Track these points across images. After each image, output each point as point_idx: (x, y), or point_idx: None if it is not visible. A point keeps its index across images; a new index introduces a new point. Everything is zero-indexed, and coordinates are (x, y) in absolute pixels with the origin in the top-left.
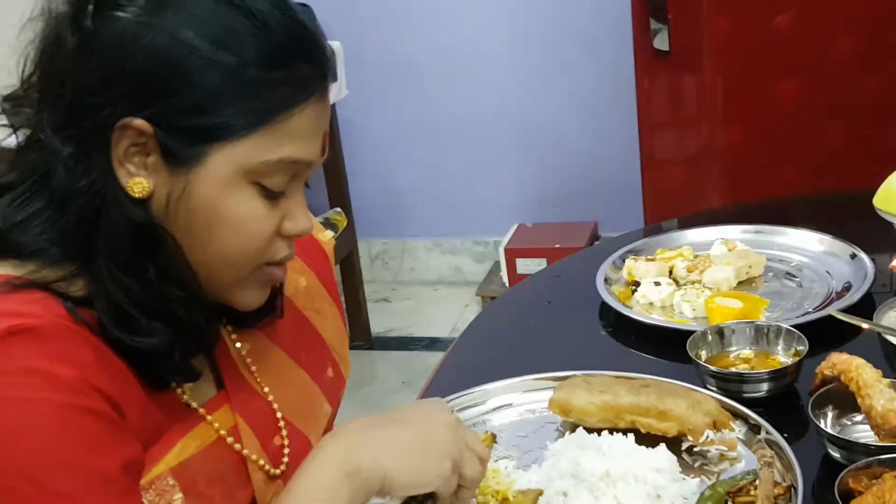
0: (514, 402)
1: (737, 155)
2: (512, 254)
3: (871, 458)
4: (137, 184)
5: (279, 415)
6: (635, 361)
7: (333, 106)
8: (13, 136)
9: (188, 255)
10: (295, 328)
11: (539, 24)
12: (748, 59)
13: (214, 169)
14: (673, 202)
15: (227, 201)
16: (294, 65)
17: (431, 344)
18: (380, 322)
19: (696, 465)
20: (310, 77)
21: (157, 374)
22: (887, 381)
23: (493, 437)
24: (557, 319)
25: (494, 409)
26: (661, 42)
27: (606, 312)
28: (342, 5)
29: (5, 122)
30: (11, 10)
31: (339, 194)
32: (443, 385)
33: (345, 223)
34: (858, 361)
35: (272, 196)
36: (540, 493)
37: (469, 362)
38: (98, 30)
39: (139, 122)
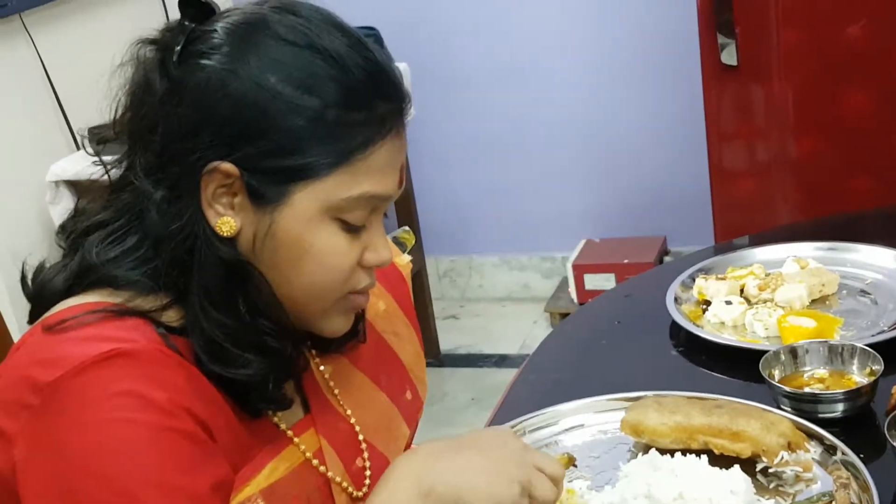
0: (587, 422)
1: (808, 167)
2: (580, 270)
3: None
4: (225, 223)
5: (361, 437)
6: (707, 382)
7: None
8: (106, 175)
9: (276, 290)
10: (375, 351)
11: (604, 39)
12: (818, 70)
13: (298, 207)
14: (743, 215)
15: (310, 237)
16: (372, 104)
17: (500, 361)
18: (448, 339)
19: (771, 486)
20: (387, 114)
21: (250, 402)
22: None
23: (572, 458)
24: (628, 339)
25: (567, 430)
26: (729, 57)
27: (677, 332)
28: (405, 27)
29: (96, 159)
30: (102, 53)
31: (406, 213)
32: (514, 405)
33: (413, 241)
34: None
35: (353, 230)
36: None
37: (540, 382)
38: (185, 77)
39: (227, 166)
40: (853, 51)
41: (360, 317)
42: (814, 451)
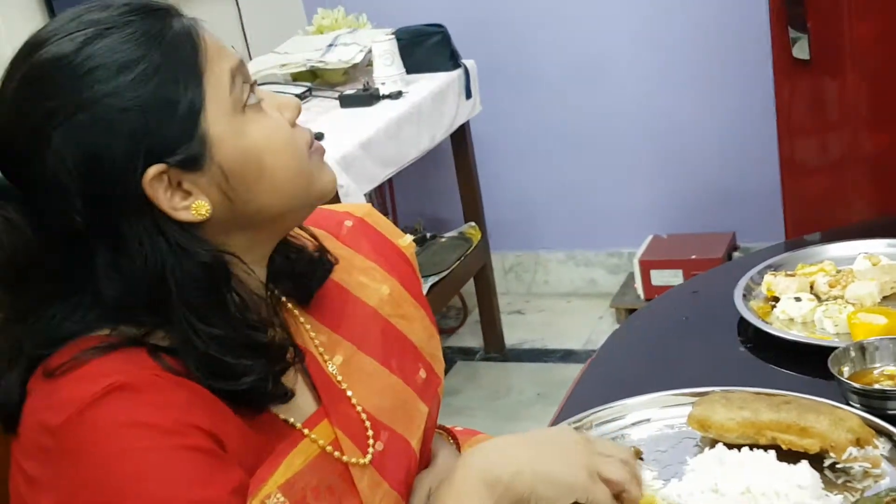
0: (653, 417)
1: (882, 162)
2: (647, 265)
3: None
4: (199, 206)
5: (376, 421)
6: (775, 378)
7: (466, 123)
8: None
9: (272, 207)
10: (383, 337)
11: (673, 33)
12: (892, 63)
13: (217, 133)
14: (815, 211)
15: (249, 140)
16: (163, 32)
17: (566, 356)
18: (514, 334)
19: (840, 481)
20: (183, 25)
21: (252, 403)
22: None
23: (639, 451)
24: (695, 335)
25: (633, 424)
26: (801, 51)
27: (745, 328)
28: (474, 25)
29: None
30: None
31: (473, 209)
32: (581, 399)
33: (479, 237)
34: None
35: (255, 104)
36: None
37: (606, 377)
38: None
39: (152, 170)
40: None
41: (319, 258)
42: (883, 447)
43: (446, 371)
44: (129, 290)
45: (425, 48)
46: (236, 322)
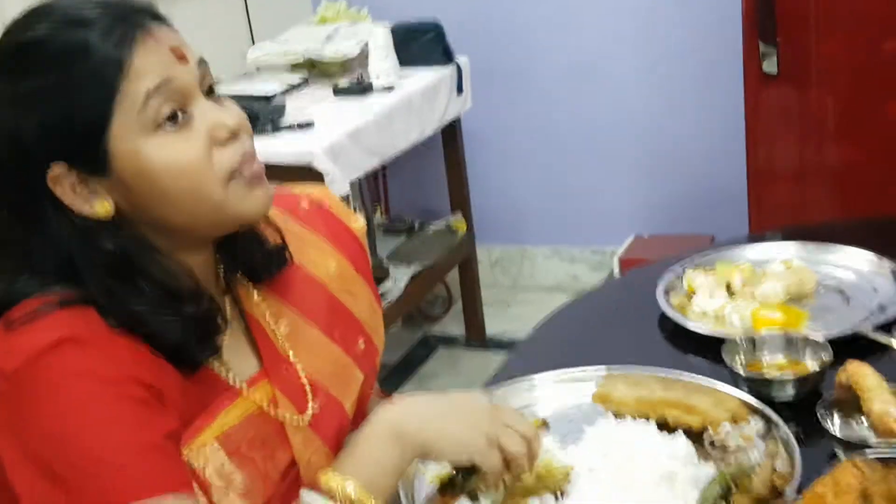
0: (563, 391)
1: (844, 173)
2: (626, 263)
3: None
4: (102, 206)
5: (315, 384)
6: (683, 363)
7: (458, 119)
8: None
9: (173, 234)
10: (328, 309)
11: (656, 44)
12: (856, 81)
13: (121, 151)
14: (780, 218)
15: (150, 163)
16: (109, 38)
17: None
18: (497, 324)
19: (715, 454)
20: (125, 35)
21: (183, 360)
22: (889, 387)
23: (545, 422)
24: (621, 323)
25: (543, 397)
26: (770, 66)
27: (664, 319)
28: (470, 23)
29: None
30: None
31: (460, 201)
32: (505, 375)
33: (464, 228)
34: (865, 369)
35: (181, 124)
36: (570, 469)
37: (533, 356)
38: None
39: (57, 170)
40: (891, 63)
41: (281, 246)
42: (757, 426)
43: (428, 357)
44: (50, 264)
45: (420, 43)
46: (150, 294)
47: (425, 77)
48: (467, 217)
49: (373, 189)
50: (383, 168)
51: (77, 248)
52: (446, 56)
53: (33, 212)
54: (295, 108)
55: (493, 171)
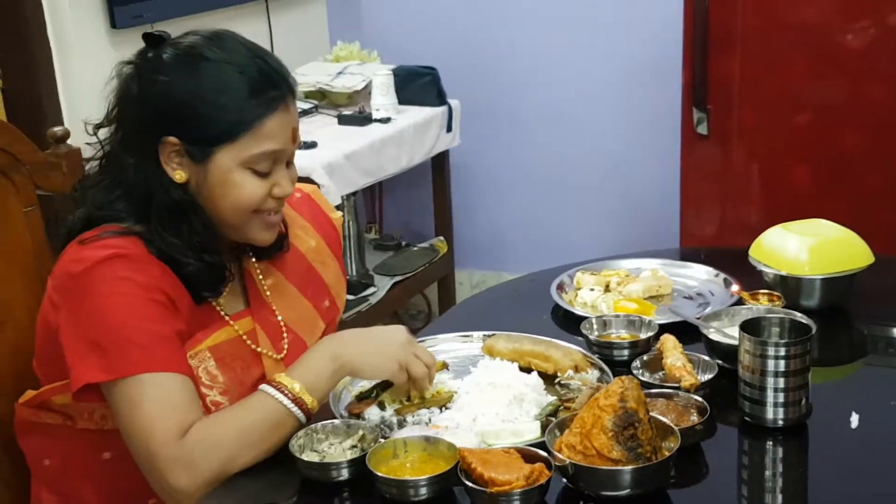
0: (461, 345)
1: (758, 225)
2: None
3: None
4: (177, 173)
5: (286, 326)
6: (561, 335)
7: (446, 152)
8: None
9: (212, 216)
10: (305, 273)
11: (623, 100)
12: (770, 146)
13: (219, 162)
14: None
15: (229, 181)
16: (264, 93)
17: None
18: None
19: (562, 391)
20: (274, 98)
21: (196, 290)
22: (682, 351)
23: (445, 364)
24: (520, 309)
25: (448, 349)
26: (702, 128)
27: (556, 307)
28: (462, 69)
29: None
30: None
31: (443, 226)
32: (425, 335)
33: (445, 249)
34: (670, 338)
35: (261, 175)
36: (454, 392)
37: (447, 327)
38: (145, 87)
39: (171, 139)
40: (801, 134)
41: (283, 235)
42: (594, 373)
43: None
44: (133, 189)
45: (417, 85)
46: (185, 240)
47: (419, 114)
48: (449, 241)
49: (370, 210)
50: (381, 193)
51: (153, 191)
52: (440, 98)
53: (141, 160)
54: (304, 131)
55: (476, 202)
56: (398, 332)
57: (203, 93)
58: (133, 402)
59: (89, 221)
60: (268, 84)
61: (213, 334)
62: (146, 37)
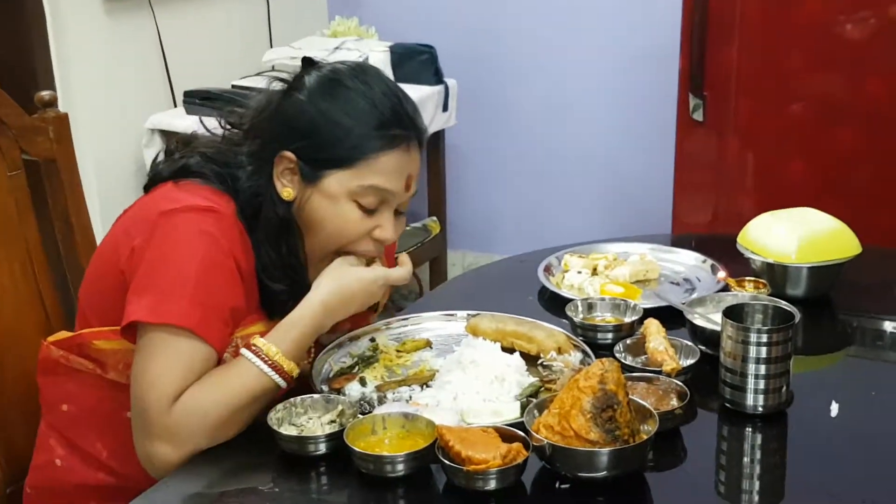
0: (446, 324)
1: (750, 214)
2: None
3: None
4: (285, 190)
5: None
6: (547, 318)
7: (442, 131)
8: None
9: (306, 243)
10: None
11: (618, 88)
12: (766, 135)
13: (327, 186)
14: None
15: (332, 208)
16: (389, 129)
17: None
18: None
19: (544, 372)
20: (398, 136)
21: (272, 305)
22: (665, 335)
23: (429, 342)
24: (509, 290)
25: (432, 328)
26: (698, 115)
27: (543, 287)
28: (461, 48)
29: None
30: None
31: (436, 206)
32: (409, 312)
33: (437, 230)
34: (653, 322)
35: (366, 211)
36: (436, 371)
37: (435, 305)
38: (284, 103)
39: (288, 154)
40: (796, 124)
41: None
42: (577, 355)
43: None
44: (241, 191)
45: (414, 63)
46: (283, 258)
47: (416, 92)
48: (442, 221)
49: None
50: None
51: (265, 198)
52: (437, 76)
53: (256, 170)
54: None
55: (471, 183)
56: (375, 283)
57: (332, 114)
58: (156, 351)
59: (181, 172)
60: (396, 122)
61: (251, 326)
62: (304, 60)
